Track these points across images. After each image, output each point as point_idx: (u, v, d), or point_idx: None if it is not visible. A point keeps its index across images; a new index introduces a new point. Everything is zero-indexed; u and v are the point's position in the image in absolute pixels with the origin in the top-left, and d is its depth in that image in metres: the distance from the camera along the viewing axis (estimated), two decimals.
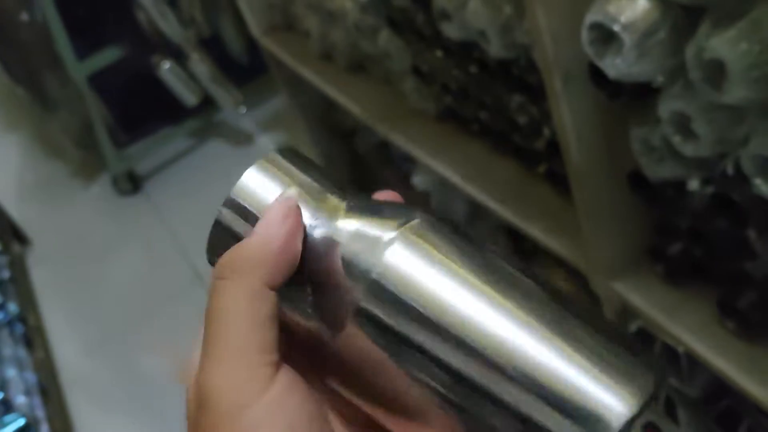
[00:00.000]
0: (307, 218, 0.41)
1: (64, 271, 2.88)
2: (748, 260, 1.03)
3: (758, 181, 0.87)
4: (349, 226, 0.41)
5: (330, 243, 0.41)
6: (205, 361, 0.39)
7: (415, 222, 0.40)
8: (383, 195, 0.45)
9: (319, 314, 0.40)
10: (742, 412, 1.19)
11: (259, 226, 0.41)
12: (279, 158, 0.43)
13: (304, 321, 0.41)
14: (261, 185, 0.42)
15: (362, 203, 0.43)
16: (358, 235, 0.41)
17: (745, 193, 0.94)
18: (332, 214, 0.42)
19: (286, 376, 0.39)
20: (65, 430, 2.10)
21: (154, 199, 3.09)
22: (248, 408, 0.37)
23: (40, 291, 2.78)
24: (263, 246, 0.40)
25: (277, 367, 0.39)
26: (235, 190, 0.42)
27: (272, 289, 0.40)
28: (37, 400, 2.01)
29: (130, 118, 3.18)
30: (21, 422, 1.84)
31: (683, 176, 1.02)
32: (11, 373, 2.04)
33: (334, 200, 0.42)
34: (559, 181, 1.33)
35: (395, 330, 0.38)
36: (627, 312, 1.21)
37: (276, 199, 0.41)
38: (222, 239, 0.42)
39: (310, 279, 0.41)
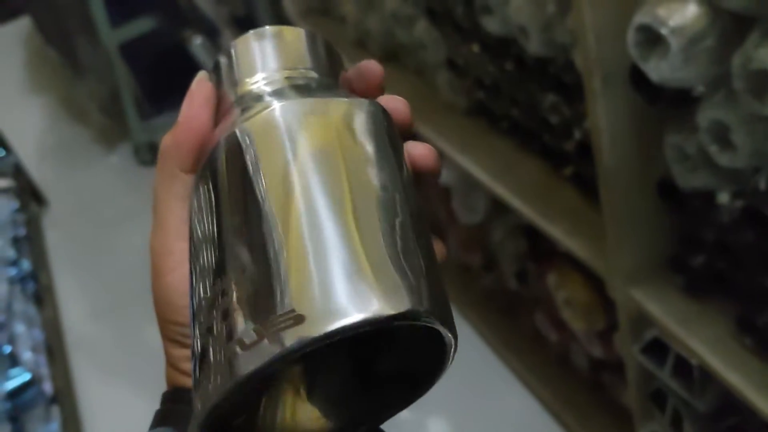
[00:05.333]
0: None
1: (79, 235, 2.89)
2: None
3: None
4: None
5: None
6: (152, 227, 0.48)
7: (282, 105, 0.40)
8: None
9: None
10: (750, 431, 1.18)
11: (180, 115, 0.45)
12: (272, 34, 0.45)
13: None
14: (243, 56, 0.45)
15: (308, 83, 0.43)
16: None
17: None
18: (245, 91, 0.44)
19: None
20: (67, 389, 2.11)
21: None
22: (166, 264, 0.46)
23: (53, 252, 2.79)
24: (174, 134, 0.45)
25: None
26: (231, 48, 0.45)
27: (186, 172, 0.45)
28: (42, 358, 2.02)
29: (157, 90, 3.19)
30: (27, 377, 1.85)
31: (714, 187, 1.01)
32: (20, 329, 2.05)
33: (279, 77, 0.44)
34: (584, 184, 1.33)
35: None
36: (643, 319, 1.21)
37: (193, 85, 0.45)
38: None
39: None
